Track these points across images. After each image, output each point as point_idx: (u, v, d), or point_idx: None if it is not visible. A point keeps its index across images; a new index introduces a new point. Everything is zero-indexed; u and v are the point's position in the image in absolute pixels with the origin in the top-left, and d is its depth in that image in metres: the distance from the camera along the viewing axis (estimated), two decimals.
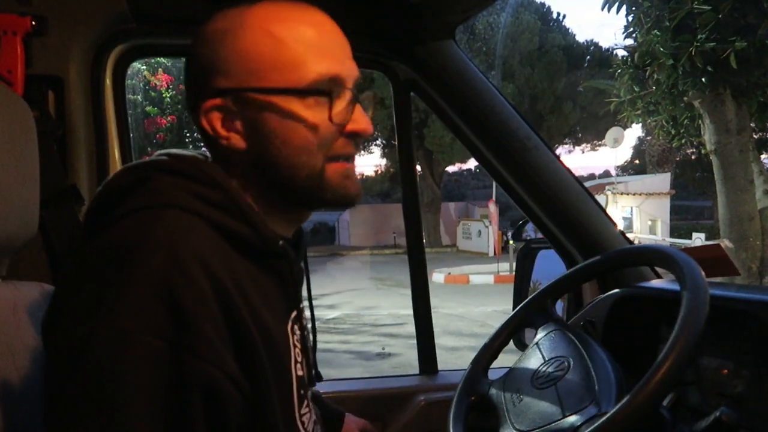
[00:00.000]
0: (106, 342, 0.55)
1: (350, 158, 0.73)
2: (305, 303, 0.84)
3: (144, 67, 10.36)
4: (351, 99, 0.70)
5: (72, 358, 0.56)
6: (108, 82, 1.24)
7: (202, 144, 0.78)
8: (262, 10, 0.69)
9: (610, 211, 1.52)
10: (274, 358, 0.66)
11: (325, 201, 0.72)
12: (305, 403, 0.75)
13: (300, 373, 0.73)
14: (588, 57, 20.49)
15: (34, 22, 1.09)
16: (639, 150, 26.45)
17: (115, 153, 1.26)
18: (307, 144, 0.69)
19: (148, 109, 10.41)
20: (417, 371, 1.52)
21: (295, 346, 0.73)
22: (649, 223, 16.55)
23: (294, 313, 0.75)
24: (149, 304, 0.56)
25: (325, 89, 0.68)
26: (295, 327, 0.74)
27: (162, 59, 10.33)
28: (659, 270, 1.26)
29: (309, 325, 0.85)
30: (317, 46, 0.68)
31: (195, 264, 0.58)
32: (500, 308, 8.71)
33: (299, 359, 0.73)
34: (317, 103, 0.68)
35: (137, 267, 0.57)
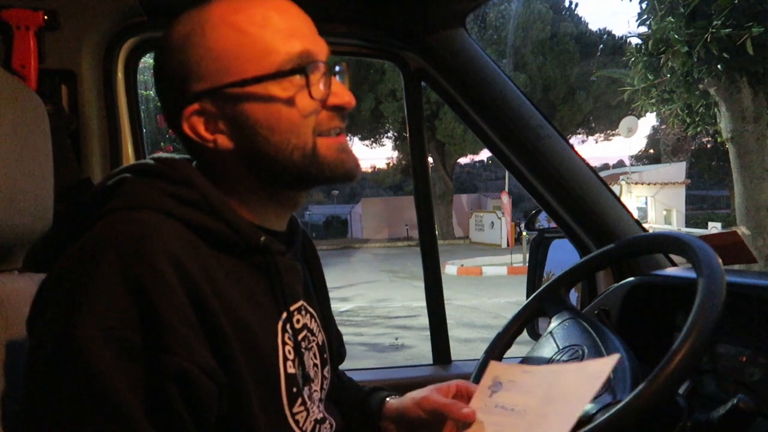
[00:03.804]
0: (85, 339, 0.56)
1: (340, 132, 0.72)
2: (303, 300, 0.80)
3: None
4: (325, 72, 0.69)
5: (54, 356, 0.58)
6: (120, 75, 1.25)
7: None
8: (219, 5, 0.69)
9: (624, 201, 1.50)
10: (251, 351, 0.67)
11: (324, 178, 0.71)
12: (299, 401, 0.74)
13: (291, 371, 0.72)
14: (601, 45, 20.27)
15: (46, 17, 1.10)
16: (653, 139, 26.19)
17: (128, 146, 1.27)
18: (293, 125, 0.68)
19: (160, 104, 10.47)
20: (430, 363, 1.52)
21: (285, 343, 0.73)
22: (665, 213, 16.40)
23: (284, 314, 0.74)
24: (120, 299, 0.58)
25: (297, 67, 0.67)
26: (287, 326, 0.74)
27: None
28: (675, 258, 1.25)
29: (315, 324, 0.83)
30: (280, 28, 0.68)
31: (162, 257, 0.60)
32: (513, 300, 8.68)
33: (290, 357, 0.73)
34: (293, 83, 0.68)
35: (107, 265, 0.59)
